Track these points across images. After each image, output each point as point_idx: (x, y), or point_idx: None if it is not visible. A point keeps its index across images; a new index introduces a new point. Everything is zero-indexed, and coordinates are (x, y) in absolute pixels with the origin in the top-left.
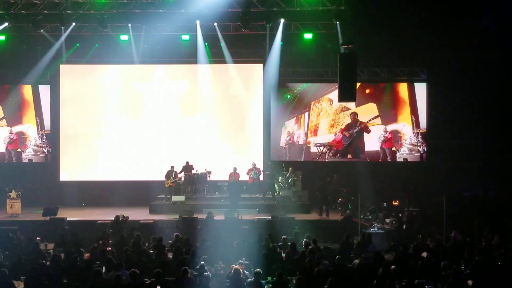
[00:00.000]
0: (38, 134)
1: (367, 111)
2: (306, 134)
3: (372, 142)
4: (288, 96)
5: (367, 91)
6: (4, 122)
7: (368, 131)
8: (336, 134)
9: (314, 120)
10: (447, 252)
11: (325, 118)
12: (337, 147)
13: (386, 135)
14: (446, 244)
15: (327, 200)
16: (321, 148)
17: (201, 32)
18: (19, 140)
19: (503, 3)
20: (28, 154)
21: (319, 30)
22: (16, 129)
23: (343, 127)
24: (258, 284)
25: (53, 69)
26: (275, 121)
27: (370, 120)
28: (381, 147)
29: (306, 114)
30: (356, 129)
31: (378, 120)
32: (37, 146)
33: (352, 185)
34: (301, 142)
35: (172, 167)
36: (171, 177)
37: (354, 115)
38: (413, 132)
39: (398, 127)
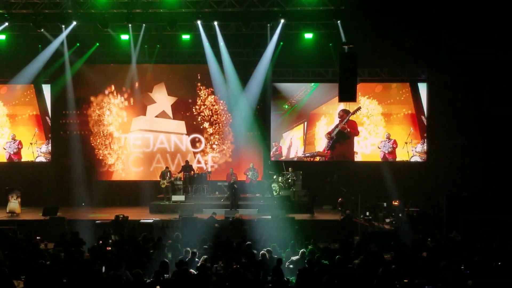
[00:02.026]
0: (47, 140)
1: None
2: (305, 145)
3: (374, 150)
4: (286, 106)
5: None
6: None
7: (351, 133)
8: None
9: (313, 130)
10: (446, 252)
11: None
12: (327, 157)
13: (391, 143)
14: (445, 244)
15: (315, 200)
16: (311, 159)
17: (202, 31)
18: (23, 149)
19: (503, 3)
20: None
21: (320, 30)
22: (20, 134)
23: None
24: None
25: (54, 69)
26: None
27: (350, 115)
28: (384, 157)
29: (305, 124)
30: (336, 130)
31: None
32: (49, 153)
33: (352, 185)
34: (299, 154)
35: (167, 167)
36: (167, 177)
37: (343, 113)
38: (422, 138)
39: (405, 132)
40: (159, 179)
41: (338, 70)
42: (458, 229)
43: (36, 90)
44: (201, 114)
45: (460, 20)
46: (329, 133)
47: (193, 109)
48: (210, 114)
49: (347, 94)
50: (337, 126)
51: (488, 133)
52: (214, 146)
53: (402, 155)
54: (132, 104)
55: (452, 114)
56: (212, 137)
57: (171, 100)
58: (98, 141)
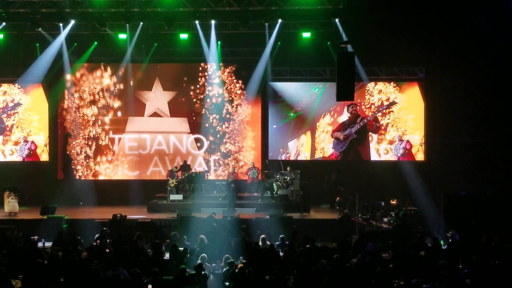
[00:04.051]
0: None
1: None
2: (311, 151)
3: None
4: (292, 114)
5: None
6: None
7: (376, 129)
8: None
9: (316, 134)
10: (444, 251)
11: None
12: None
13: (404, 145)
14: (444, 243)
15: (308, 198)
16: None
17: (200, 31)
18: (39, 149)
19: (501, 2)
20: None
21: (318, 29)
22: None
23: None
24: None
25: (53, 69)
26: (274, 139)
27: (383, 109)
28: (398, 160)
29: (309, 133)
30: (356, 127)
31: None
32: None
33: (351, 184)
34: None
35: (175, 166)
36: (175, 177)
37: (354, 107)
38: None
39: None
40: (164, 178)
41: (336, 69)
42: (456, 228)
43: (44, 89)
44: (206, 105)
45: (459, 18)
46: (337, 130)
47: (191, 93)
48: (219, 97)
49: (345, 93)
50: (351, 121)
51: (487, 132)
52: (211, 143)
53: (419, 159)
54: (131, 84)
55: (451, 113)
56: (225, 141)
57: (168, 95)
58: (76, 149)
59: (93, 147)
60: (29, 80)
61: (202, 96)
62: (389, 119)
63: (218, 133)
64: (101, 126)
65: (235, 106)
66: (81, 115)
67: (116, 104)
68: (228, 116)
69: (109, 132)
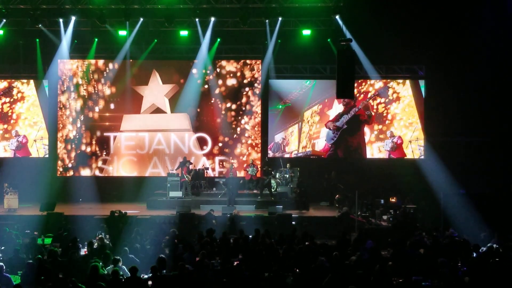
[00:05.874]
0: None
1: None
2: (299, 145)
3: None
4: (280, 106)
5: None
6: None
7: (369, 119)
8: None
9: (306, 131)
10: (443, 249)
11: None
12: (325, 155)
13: (395, 140)
14: (443, 241)
15: (306, 195)
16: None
17: (200, 28)
18: (29, 144)
19: (501, 1)
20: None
21: (318, 26)
22: (24, 130)
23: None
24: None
25: (52, 65)
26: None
27: (369, 99)
28: (389, 156)
29: (297, 126)
30: (347, 117)
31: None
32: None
33: (350, 182)
34: (293, 154)
35: (192, 164)
36: (191, 172)
37: (349, 100)
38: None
39: (409, 131)
40: (185, 174)
41: (336, 66)
42: (455, 226)
43: (39, 86)
44: (217, 91)
45: (459, 16)
46: (332, 121)
47: (194, 72)
48: (237, 80)
49: (345, 91)
50: (345, 111)
51: (487, 130)
52: (211, 140)
53: (409, 155)
54: (128, 80)
55: (451, 111)
56: (242, 140)
57: (167, 88)
58: (96, 137)
59: (74, 153)
60: (34, 76)
61: (211, 77)
62: (384, 113)
63: (233, 131)
64: (85, 122)
65: (257, 92)
66: (61, 107)
67: (108, 91)
68: (248, 107)
69: (97, 132)
